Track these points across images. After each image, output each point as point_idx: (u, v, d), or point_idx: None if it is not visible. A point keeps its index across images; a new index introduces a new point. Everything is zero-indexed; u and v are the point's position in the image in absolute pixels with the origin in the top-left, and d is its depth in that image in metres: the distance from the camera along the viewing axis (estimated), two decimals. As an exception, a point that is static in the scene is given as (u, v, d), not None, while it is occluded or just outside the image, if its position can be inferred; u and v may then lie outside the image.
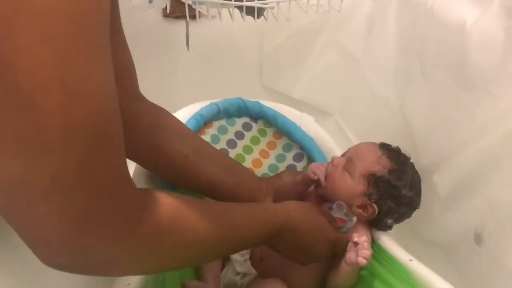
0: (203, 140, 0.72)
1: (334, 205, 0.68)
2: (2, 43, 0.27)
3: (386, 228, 0.70)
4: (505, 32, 0.65)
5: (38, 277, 0.39)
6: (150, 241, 0.39)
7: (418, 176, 0.71)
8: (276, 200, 0.70)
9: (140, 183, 0.68)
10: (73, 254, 0.34)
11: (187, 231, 0.42)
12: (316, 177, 0.69)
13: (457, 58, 0.71)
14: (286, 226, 0.56)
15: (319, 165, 0.71)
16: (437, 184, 0.79)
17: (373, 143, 0.72)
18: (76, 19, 0.29)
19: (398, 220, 0.70)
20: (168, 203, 0.41)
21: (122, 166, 0.36)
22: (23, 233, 0.34)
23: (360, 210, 0.68)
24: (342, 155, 0.72)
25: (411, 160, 0.71)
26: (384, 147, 0.70)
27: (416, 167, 0.72)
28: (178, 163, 0.64)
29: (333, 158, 0.71)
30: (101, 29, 0.32)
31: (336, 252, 0.64)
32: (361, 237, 0.62)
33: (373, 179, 0.67)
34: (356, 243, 0.62)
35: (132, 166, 0.70)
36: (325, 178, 0.69)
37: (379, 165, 0.67)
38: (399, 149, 0.71)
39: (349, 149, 0.72)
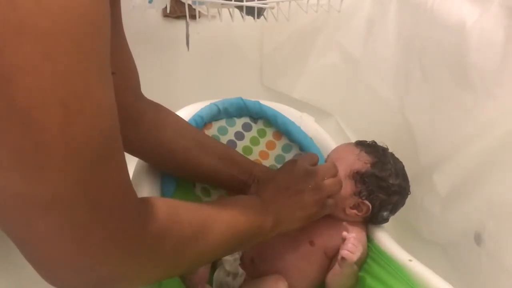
0: (200, 131, 0.77)
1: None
2: (2, 61, 0.27)
3: (383, 221, 0.71)
4: (505, 32, 0.65)
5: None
6: (155, 246, 0.39)
7: (400, 162, 0.72)
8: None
9: (141, 176, 0.70)
10: (78, 271, 0.34)
11: (186, 226, 0.43)
12: None
13: (457, 58, 0.71)
14: (277, 227, 0.57)
15: None
16: (437, 184, 0.79)
17: (349, 143, 0.74)
18: (78, 40, 0.29)
19: (393, 210, 0.70)
20: (164, 205, 0.42)
21: (123, 179, 0.36)
22: (26, 252, 0.34)
23: (354, 211, 0.68)
24: (325, 162, 0.73)
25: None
26: (361, 144, 0.72)
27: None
28: (180, 156, 0.67)
29: None
30: (102, 48, 0.32)
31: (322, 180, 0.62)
32: (349, 234, 0.63)
33: (358, 177, 0.68)
34: (343, 239, 0.63)
35: (132, 162, 0.71)
36: None
37: (360, 161, 0.68)
38: (375, 142, 0.73)
39: (329, 155, 0.74)
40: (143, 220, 0.38)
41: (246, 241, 0.54)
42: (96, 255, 0.34)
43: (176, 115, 0.70)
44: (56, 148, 0.30)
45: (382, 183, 0.67)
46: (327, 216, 0.70)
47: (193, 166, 0.69)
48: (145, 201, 0.41)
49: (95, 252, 0.34)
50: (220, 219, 0.49)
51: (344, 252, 0.61)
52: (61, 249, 0.33)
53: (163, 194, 0.72)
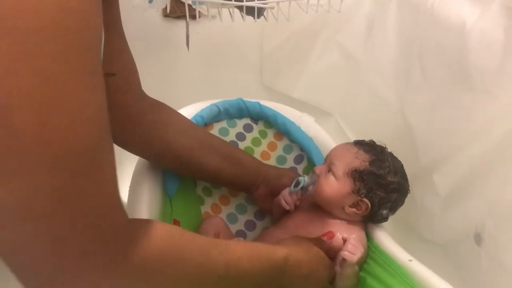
0: (204, 130, 0.76)
1: (306, 178, 0.71)
2: None
3: (382, 220, 0.71)
4: (505, 32, 0.65)
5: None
6: (135, 277, 0.36)
7: (399, 161, 0.72)
8: (267, 191, 0.75)
9: (142, 175, 0.70)
10: (53, 283, 0.32)
11: (177, 266, 0.39)
12: (287, 207, 0.72)
13: (457, 58, 0.71)
14: (289, 261, 0.52)
15: (287, 194, 0.73)
16: (437, 184, 0.79)
17: (348, 143, 0.74)
18: (61, 39, 0.28)
19: (392, 209, 0.70)
20: (158, 236, 0.38)
21: (109, 194, 0.34)
22: (5, 259, 0.32)
23: (354, 209, 0.68)
24: (324, 162, 0.73)
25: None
26: (359, 143, 0.73)
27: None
28: (184, 155, 0.67)
29: (314, 169, 0.72)
30: (90, 50, 0.30)
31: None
32: (350, 235, 0.63)
33: (357, 175, 0.68)
34: (344, 240, 0.63)
35: (133, 162, 0.71)
36: (314, 189, 0.70)
37: (359, 159, 0.69)
38: (374, 142, 0.73)
39: (327, 155, 0.74)
40: (126, 247, 0.35)
41: None
42: (72, 270, 0.32)
43: (180, 114, 0.70)
44: (31, 152, 0.28)
45: (380, 181, 0.68)
46: (326, 216, 0.70)
47: (196, 165, 0.68)
48: (137, 225, 0.37)
49: (71, 267, 0.32)
50: (224, 267, 0.44)
51: (344, 253, 0.62)
52: (37, 258, 0.31)
53: (166, 192, 0.72)
